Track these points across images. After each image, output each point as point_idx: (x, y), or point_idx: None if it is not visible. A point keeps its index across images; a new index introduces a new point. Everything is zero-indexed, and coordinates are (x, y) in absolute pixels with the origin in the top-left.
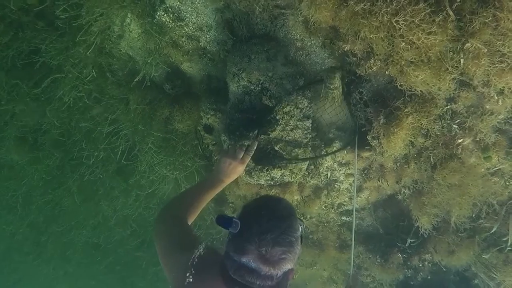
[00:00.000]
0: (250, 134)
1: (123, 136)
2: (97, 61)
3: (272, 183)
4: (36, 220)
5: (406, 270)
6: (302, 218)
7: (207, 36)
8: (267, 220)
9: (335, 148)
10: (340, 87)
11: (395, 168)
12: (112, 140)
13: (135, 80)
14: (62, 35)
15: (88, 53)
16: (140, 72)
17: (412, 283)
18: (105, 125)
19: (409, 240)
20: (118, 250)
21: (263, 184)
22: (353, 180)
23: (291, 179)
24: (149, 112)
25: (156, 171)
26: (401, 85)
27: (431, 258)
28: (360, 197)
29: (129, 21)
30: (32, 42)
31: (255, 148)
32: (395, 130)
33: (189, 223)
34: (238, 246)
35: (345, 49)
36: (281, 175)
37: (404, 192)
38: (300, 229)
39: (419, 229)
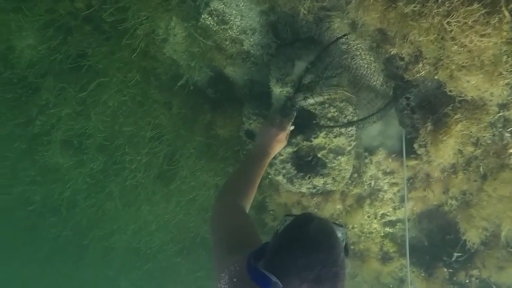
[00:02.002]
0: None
1: (165, 141)
2: (141, 65)
3: (314, 191)
4: (79, 224)
5: (452, 286)
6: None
7: (251, 39)
8: (302, 254)
9: (379, 156)
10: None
11: (442, 178)
12: (154, 145)
13: (178, 84)
14: (108, 39)
15: (133, 57)
16: (183, 76)
17: None
18: (147, 130)
19: (455, 254)
20: (157, 255)
21: (304, 193)
22: (401, 188)
23: (334, 187)
24: (191, 117)
25: (197, 176)
26: (450, 91)
27: (479, 274)
28: (404, 207)
29: (173, 24)
30: (79, 46)
31: (294, 115)
32: (444, 137)
33: (247, 209)
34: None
35: (392, 53)
36: (323, 183)
37: (451, 203)
38: (344, 243)
39: (467, 242)
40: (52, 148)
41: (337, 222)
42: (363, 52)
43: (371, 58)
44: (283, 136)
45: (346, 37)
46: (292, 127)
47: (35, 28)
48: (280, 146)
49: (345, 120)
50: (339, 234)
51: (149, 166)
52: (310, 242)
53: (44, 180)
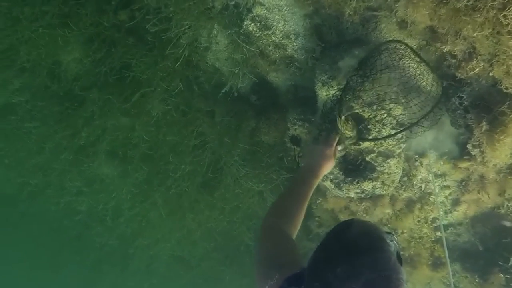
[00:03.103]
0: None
1: (209, 149)
2: (184, 74)
3: (362, 196)
4: (124, 233)
5: None
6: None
7: (295, 44)
8: (342, 261)
9: (430, 158)
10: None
11: (497, 180)
12: (198, 153)
13: (222, 91)
14: (151, 49)
15: (176, 66)
16: (227, 83)
17: None
18: (191, 138)
19: None
20: (201, 264)
21: (352, 197)
22: (453, 191)
23: (383, 191)
24: (235, 124)
25: (241, 184)
26: (506, 88)
27: None
28: (457, 211)
29: (215, 32)
30: (123, 58)
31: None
32: (500, 137)
33: (294, 236)
34: None
35: (444, 51)
36: (372, 188)
37: (507, 205)
38: (393, 247)
39: None
40: (98, 159)
41: (385, 229)
42: (412, 52)
43: (421, 58)
44: (330, 153)
45: (399, 44)
46: (340, 147)
47: (80, 42)
48: (328, 165)
49: (394, 122)
50: (389, 241)
51: (193, 174)
52: (350, 246)
53: (90, 191)
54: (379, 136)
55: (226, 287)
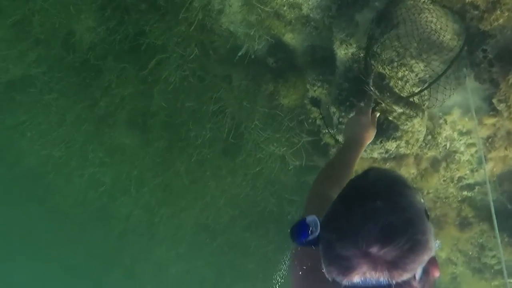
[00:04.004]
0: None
1: (229, 114)
2: (199, 38)
3: (386, 156)
4: (148, 202)
5: None
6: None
7: (310, 2)
8: (359, 206)
9: (454, 116)
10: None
11: None
12: (218, 119)
13: (239, 54)
14: (164, 14)
15: (190, 30)
16: (242, 47)
17: None
18: (210, 104)
19: None
20: (226, 231)
21: (376, 158)
22: (479, 149)
23: (407, 150)
24: (253, 88)
25: (263, 148)
26: None
27: None
28: (483, 169)
29: None
30: (137, 25)
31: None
32: None
33: None
34: (338, 264)
35: (466, 1)
36: (396, 147)
37: None
38: (418, 199)
39: None
40: (118, 128)
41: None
42: (431, 5)
43: (441, 11)
44: (368, 122)
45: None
46: (378, 113)
47: (92, 10)
48: (370, 134)
49: (417, 79)
50: (413, 191)
51: (214, 141)
52: (367, 192)
53: (112, 161)
54: (403, 95)
55: (252, 254)
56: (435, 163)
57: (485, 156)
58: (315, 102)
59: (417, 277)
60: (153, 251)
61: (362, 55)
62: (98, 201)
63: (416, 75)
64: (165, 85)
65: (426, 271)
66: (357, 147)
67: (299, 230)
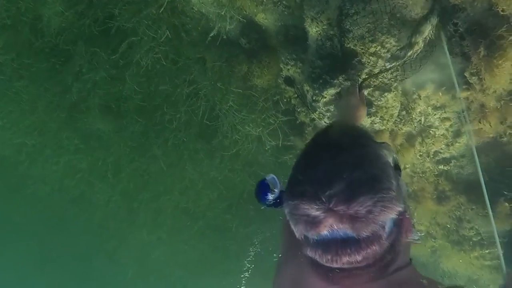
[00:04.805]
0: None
1: (203, 97)
2: (170, 21)
3: None
4: (126, 188)
5: None
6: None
7: None
8: (322, 164)
9: (428, 91)
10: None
11: (498, 107)
12: (192, 102)
13: (211, 35)
14: None
15: (160, 12)
16: (215, 27)
17: None
18: (184, 87)
19: None
20: (207, 214)
21: None
22: (454, 123)
23: (382, 126)
24: (227, 69)
25: (239, 130)
26: (503, 10)
27: None
28: (459, 143)
29: None
30: (105, 8)
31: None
32: (499, 61)
33: None
34: (305, 221)
35: None
36: (371, 123)
37: (509, 133)
38: (386, 153)
39: None
40: (91, 114)
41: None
42: None
43: None
44: (357, 101)
45: None
46: (365, 91)
47: None
48: (361, 113)
49: (388, 55)
50: (379, 146)
51: (189, 124)
52: (329, 147)
53: (87, 148)
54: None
55: (234, 236)
56: (410, 138)
57: (459, 130)
58: (289, 81)
59: (386, 232)
60: (134, 237)
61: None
62: (76, 189)
63: (388, 50)
64: (137, 69)
65: (397, 228)
66: None
67: (261, 189)
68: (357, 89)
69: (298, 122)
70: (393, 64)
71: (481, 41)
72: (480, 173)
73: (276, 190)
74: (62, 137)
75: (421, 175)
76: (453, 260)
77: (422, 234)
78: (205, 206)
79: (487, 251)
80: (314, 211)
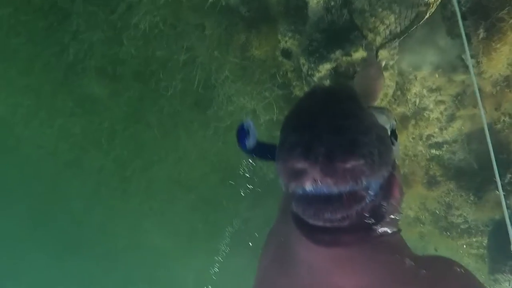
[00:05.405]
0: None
1: (200, 65)
2: None
3: None
4: (120, 155)
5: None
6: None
7: None
8: (310, 115)
9: (424, 72)
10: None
11: (493, 93)
12: (189, 70)
13: (210, 0)
14: None
15: None
16: None
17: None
18: (181, 54)
19: (508, 176)
20: (199, 186)
21: None
22: (448, 107)
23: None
24: (226, 38)
25: (234, 101)
26: None
27: None
28: (452, 127)
29: None
30: None
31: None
32: (497, 45)
33: None
34: (286, 170)
35: None
36: None
37: (504, 120)
38: (384, 120)
39: None
40: (87, 76)
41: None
42: None
43: None
44: (378, 73)
45: None
46: (383, 61)
47: None
48: (381, 84)
49: (387, 31)
50: (383, 116)
51: (185, 92)
52: (321, 103)
53: (82, 111)
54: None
55: (224, 210)
56: (404, 120)
57: (454, 114)
58: (287, 54)
59: (371, 194)
60: (127, 206)
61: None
62: (70, 153)
63: (387, 27)
64: (135, 32)
65: (383, 192)
66: (372, 102)
67: (239, 134)
68: (376, 58)
69: (293, 96)
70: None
71: (482, 23)
72: (489, 143)
73: (252, 136)
74: (57, 100)
75: (412, 158)
76: (441, 247)
77: (401, 213)
78: (197, 179)
79: (474, 239)
80: (301, 164)
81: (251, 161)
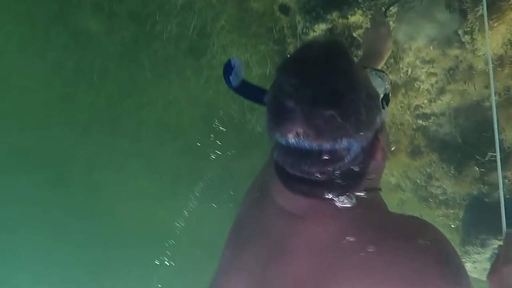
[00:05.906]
0: None
1: (196, 11)
2: None
3: None
4: (111, 94)
5: (481, 186)
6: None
7: None
8: (297, 62)
9: (420, 43)
10: None
11: (486, 71)
12: (186, 15)
13: None
14: None
15: None
16: None
17: (486, 200)
18: None
19: (489, 154)
20: (188, 132)
21: None
22: (439, 80)
23: None
24: None
25: (228, 52)
26: None
27: None
28: (441, 100)
29: None
30: None
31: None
32: (494, 24)
33: None
34: (273, 121)
35: None
36: None
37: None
38: (378, 83)
39: (503, 142)
40: (83, 10)
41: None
42: None
43: None
44: (387, 32)
45: None
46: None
47: None
48: (390, 44)
49: None
50: (377, 79)
51: (180, 38)
52: (308, 57)
53: (76, 46)
54: None
55: (210, 161)
56: (394, 88)
57: (444, 88)
58: (285, 9)
59: (351, 155)
60: (116, 145)
61: None
62: (61, 88)
63: None
64: None
65: (365, 154)
66: (379, 62)
67: (225, 70)
68: (384, 18)
69: (287, 52)
70: None
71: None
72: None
73: (238, 73)
74: (51, 31)
75: (399, 126)
76: (418, 214)
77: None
78: (186, 125)
79: (451, 211)
80: (287, 102)
81: (240, 113)
